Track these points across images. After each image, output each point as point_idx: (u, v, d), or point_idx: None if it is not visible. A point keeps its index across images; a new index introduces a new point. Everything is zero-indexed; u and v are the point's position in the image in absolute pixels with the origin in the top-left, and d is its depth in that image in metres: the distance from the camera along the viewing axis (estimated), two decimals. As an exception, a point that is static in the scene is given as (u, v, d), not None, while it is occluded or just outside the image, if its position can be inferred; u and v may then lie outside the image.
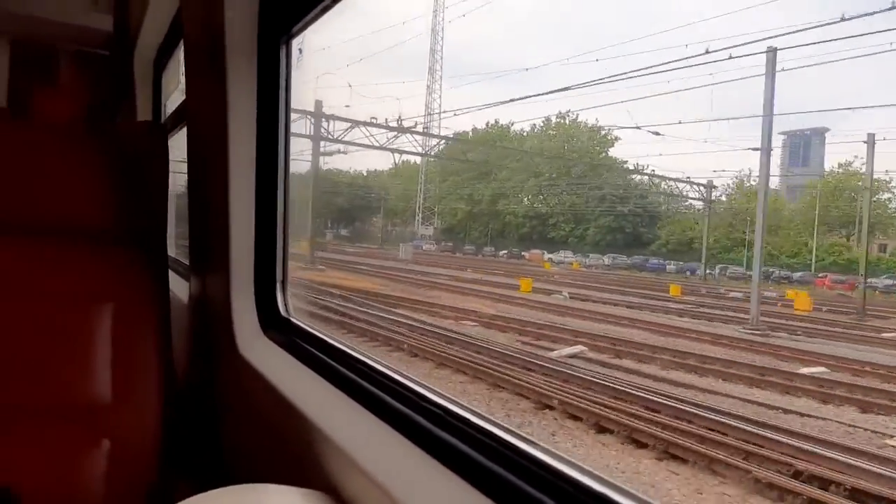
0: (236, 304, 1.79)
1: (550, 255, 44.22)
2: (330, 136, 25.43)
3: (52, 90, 1.79)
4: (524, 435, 0.96)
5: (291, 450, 1.37)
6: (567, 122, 47.90)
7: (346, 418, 1.24)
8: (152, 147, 1.90)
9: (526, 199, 50.15)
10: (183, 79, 3.25)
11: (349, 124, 26.11)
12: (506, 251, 47.94)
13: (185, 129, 2.65)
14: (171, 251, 2.23)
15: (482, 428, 1.01)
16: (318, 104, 25.43)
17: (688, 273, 36.66)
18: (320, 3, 1.53)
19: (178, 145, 2.46)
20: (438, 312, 15.03)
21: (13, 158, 1.76)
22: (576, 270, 38.59)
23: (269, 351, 1.71)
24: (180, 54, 3.08)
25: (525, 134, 50.64)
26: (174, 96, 3.38)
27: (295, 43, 1.71)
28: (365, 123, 26.51)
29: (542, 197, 48.71)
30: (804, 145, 49.92)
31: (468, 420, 1.04)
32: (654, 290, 24.90)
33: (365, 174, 59.86)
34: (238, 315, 1.79)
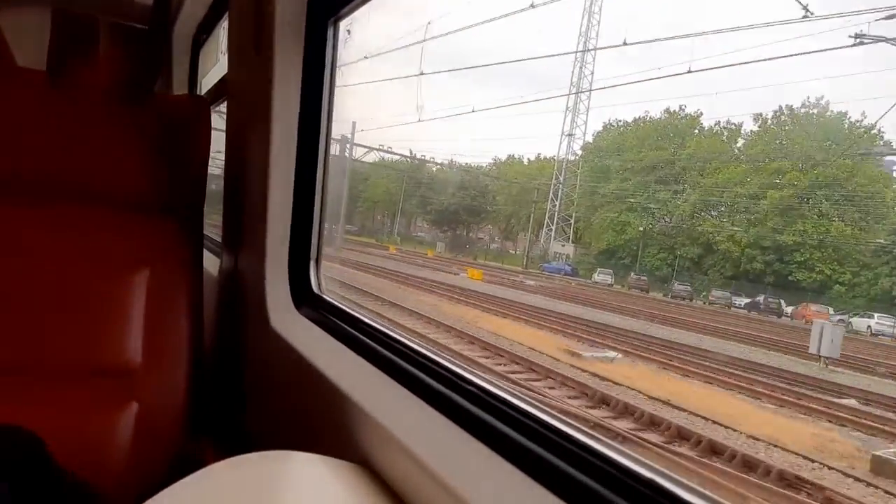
0: (270, 279, 1.82)
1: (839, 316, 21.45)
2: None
3: (90, 58, 1.82)
4: (560, 416, 0.98)
5: (323, 422, 1.40)
6: (815, 111, 29.85)
7: (380, 392, 1.27)
8: (194, 119, 1.93)
9: (756, 221, 30.41)
10: (221, 56, 3.29)
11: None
12: (747, 300, 27.29)
13: (220, 106, 2.69)
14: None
15: (519, 407, 1.03)
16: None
17: None
18: None
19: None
20: None
21: (53, 124, 1.78)
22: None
23: (301, 326, 1.74)
24: (220, 31, 3.11)
25: (734, 129, 33.74)
26: (210, 74, 3.42)
27: (343, 24, 1.73)
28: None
29: (786, 219, 29.08)
30: None
31: (505, 399, 1.07)
32: None
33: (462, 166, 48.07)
34: (271, 290, 1.82)
